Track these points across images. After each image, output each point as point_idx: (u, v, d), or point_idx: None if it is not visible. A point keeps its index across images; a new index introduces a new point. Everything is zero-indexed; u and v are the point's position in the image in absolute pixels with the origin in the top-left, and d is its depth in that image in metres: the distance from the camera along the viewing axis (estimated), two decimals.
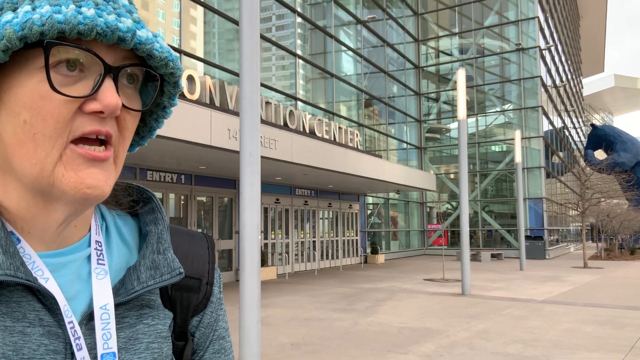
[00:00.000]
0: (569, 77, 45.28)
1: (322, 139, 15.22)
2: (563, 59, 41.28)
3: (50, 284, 0.59)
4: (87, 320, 0.61)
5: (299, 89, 20.43)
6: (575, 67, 51.77)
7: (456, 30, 33.11)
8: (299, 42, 20.73)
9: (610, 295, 12.97)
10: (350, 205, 23.72)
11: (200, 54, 15.19)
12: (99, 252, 0.65)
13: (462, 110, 13.88)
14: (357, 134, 18.66)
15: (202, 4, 15.20)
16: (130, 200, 0.74)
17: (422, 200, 32.36)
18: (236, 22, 15.29)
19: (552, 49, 34.06)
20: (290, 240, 19.21)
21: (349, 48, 24.61)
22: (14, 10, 0.55)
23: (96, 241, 0.66)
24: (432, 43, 34.06)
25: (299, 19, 20.48)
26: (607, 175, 28.80)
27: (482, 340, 7.79)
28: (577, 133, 50.54)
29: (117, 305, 0.63)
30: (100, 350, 0.60)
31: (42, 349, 0.57)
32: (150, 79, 0.64)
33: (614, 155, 39.16)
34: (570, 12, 48.24)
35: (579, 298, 12.46)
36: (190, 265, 0.73)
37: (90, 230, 0.67)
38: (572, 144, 45.68)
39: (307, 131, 15.26)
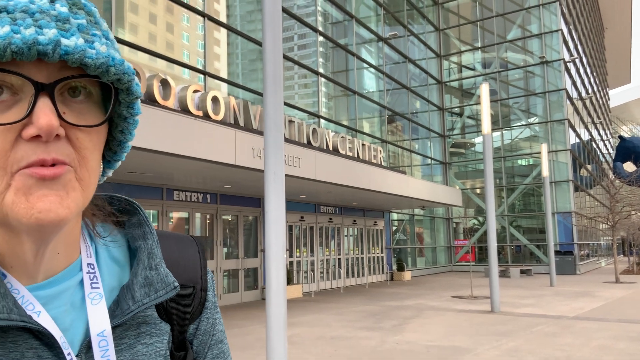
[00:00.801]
0: (595, 89, 44.69)
1: (346, 156, 15.24)
2: (588, 70, 40.80)
3: (43, 318, 0.57)
4: (86, 349, 0.59)
5: (322, 107, 20.54)
6: (601, 78, 51.09)
7: (478, 44, 33.01)
8: (320, 60, 20.90)
9: None
10: (375, 222, 23.62)
11: (224, 75, 15.41)
12: (92, 276, 0.63)
13: (486, 124, 13.78)
14: (380, 151, 18.64)
15: (225, 26, 15.46)
16: (118, 209, 0.72)
17: (448, 215, 32.06)
18: (259, 43, 15.49)
19: (577, 61, 33.71)
20: (315, 257, 19.17)
21: (370, 65, 24.71)
22: None
23: (88, 264, 0.63)
24: (454, 58, 33.99)
25: (320, 38, 20.66)
26: (637, 188, 28.18)
27: (512, 358, 7.63)
28: (605, 145, 49.69)
29: (114, 328, 0.61)
30: None
31: None
32: (104, 89, 0.59)
33: None
34: (594, 23, 47.77)
35: (611, 314, 12.16)
36: (182, 273, 0.70)
37: (80, 253, 0.64)
38: (600, 156, 44.90)
39: (331, 148, 15.30)
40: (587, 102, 38.83)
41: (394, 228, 26.45)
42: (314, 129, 14.82)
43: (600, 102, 48.29)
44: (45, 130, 0.51)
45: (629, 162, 43.51)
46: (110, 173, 0.69)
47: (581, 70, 36.45)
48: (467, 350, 8.21)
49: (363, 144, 17.40)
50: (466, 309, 13.36)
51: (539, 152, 23.68)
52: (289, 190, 12.23)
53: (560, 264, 25.99)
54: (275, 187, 5.56)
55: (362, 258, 22.32)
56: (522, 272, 26.51)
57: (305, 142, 14.23)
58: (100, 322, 0.60)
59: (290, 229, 17.96)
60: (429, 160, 30.86)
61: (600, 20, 54.20)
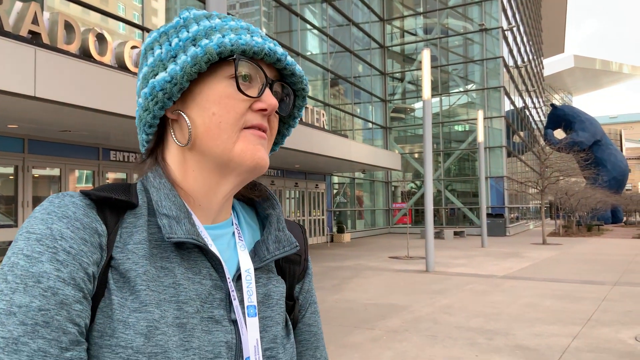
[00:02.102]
0: (530, 57, 46.06)
1: None
2: (525, 39, 41.92)
3: (215, 249, 0.78)
4: (237, 279, 0.79)
5: None
6: (537, 47, 52.65)
7: (421, 9, 33.22)
8: (263, 19, 20.50)
9: (568, 271, 13.44)
10: (317, 185, 23.81)
11: None
12: (238, 231, 0.85)
13: (426, 90, 14.01)
14: (323, 114, 18.65)
15: None
16: (256, 189, 0.93)
17: (387, 179, 32.68)
18: None
19: (515, 29, 34.54)
20: None
21: (314, 27, 24.45)
22: (207, 38, 0.76)
23: (235, 224, 0.86)
24: (397, 23, 34.12)
25: None
26: (565, 154, 29.53)
27: (445, 315, 8.01)
28: (538, 113, 51.62)
29: (254, 270, 0.82)
30: (246, 303, 0.78)
31: (211, 297, 0.75)
32: (284, 95, 0.84)
33: (573, 135, 40.27)
34: None
35: (538, 273, 12.88)
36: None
37: (231, 215, 0.86)
38: (533, 123, 46.65)
39: None
40: (522, 70, 40.04)
41: (335, 191, 26.76)
42: None
43: (535, 70, 49.89)
44: (272, 107, 0.78)
45: (559, 130, 45.52)
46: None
47: (518, 39, 37.41)
48: (403, 308, 8.54)
49: (306, 107, 17.30)
50: (403, 269, 13.82)
51: (475, 119, 24.35)
52: None
53: (492, 226, 27.15)
54: None
55: (304, 220, 22.54)
56: (455, 233, 27.55)
57: None
58: (246, 262, 0.81)
59: None
60: (370, 125, 31.17)
61: None
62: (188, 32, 0.78)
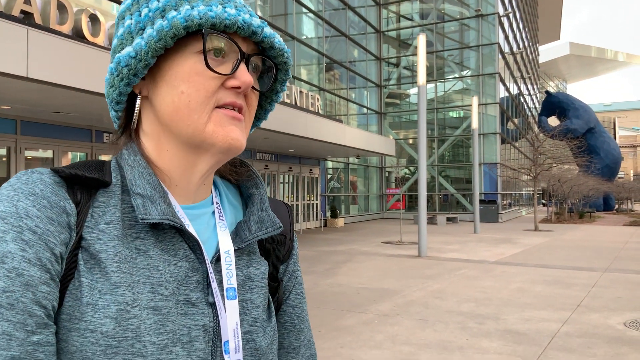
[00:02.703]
0: (526, 44, 45.96)
1: (283, 103, 15.14)
2: (521, 25, 41.80)
3: (192, 229, 0.75)
4: (216, 261, 0.77)
5: None
6: (532, 34, 52.52)
7: None
8: (259, 2, 20.33)
9: (559, 257, 13.56)
10: (311, 170, 23.81)
11: None
12: (219, 211, 0.82)
13: (422, 76, 13.98)
14: (318, 99, 18.59)
15: None
16: (239, 168, 0.90)
17: (381, 165, 32.72)
18: None
19: (510, 15, 34.42)
20: None
21: (310, 10, 24.29)
22: (176, 9, 0.71)
23: (216, 202, 0.83)
24: (393, 7, 33.91)
25: None
26: (559, 142, 29.63)
27: (436, 299, 8.08)
28: (532, 100, 51.65)
29: (235, 251, 0.80)
30: (225, 285, 0.76)
31: (188, 279, 0.73)
32: (266, 69, 0.80)
33: (567, 122, 40.35)
34: None
35: (529, 259, 12.99)
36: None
37: (212, 193, 0.84)
38: (527, 110, 46.71)
39: None
40: (518, 56, 39.97)
41: (329, 176, 26.79)
42: None
43: (530, 57, 49.81)
44: (247, 85, 0.73)
45: (553, 117, 45.57)
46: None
47: (514, 25, 37.30)
48: (395, 292, 8.60)
49: (301, 92, 17.29)
50: (395, 253, 13.89)
51: (470, 105, 24.35)
52: None
53: (484, 212, 27.29)
54: None
55: (297, 205, 22.58)
56: (448, 219, 27.68)
57: None
58: (226, 243, 0.79)
59: None
60: (365, 110, 31.12)
61: None
62: (159, 1, 0.73)
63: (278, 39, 0.77)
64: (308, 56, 24.24)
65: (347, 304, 7.73)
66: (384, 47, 33.60)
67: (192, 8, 0.71)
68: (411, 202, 32.33)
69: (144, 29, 0.73)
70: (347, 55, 28.11)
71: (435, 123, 31.94)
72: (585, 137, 41.94)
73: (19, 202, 0.65)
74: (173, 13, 0.71)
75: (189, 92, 0.72)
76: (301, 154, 22.21)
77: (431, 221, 25.83)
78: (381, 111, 33.02)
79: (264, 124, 13.24)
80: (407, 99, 34.70)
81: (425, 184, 13.87)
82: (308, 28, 24.78)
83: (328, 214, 24.86)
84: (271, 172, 20.78)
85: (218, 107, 0.73)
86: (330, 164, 26.99)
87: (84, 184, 0.72)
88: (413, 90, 33.39)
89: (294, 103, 16.36)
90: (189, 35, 0.71)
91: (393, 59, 34.19)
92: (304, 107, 16.97)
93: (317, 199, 24.26)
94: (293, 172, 22.33)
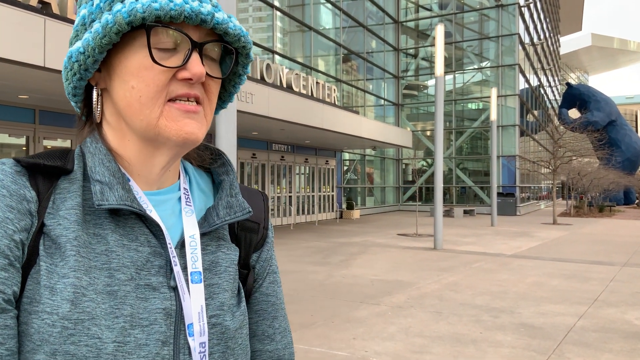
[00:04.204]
0: (547, 35, 45.31)
1: (300, 94, 15.11)
2: (542, 16, 41.19)
3: (154, 215, 0.76)
4: (180, 247, 0.77)
5: (277, 42, 20.10)
6: (553, 25, 51.74)
7: None
8: None
9: (577, 251, 13.40)
10: (327, 161, 23.79)
11: None
12: (186, 196, 0.83)
13: (439, 67, 13.85)
14: (334, 90, 18.53)
15: None
16: (210, 155, 0.91)
17: (398, 156, 32.57)
18: None
19: (531, 5, 33.92)
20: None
21: (327, 0, 24.16)
22: (122, 1, 0.70)
23: (184, 188, 0.84)
24: None
25: None
26: (579, 134, 29.22)
27: (451, 292, 8.03)
28: (553, 92, 50.96)
29: (202, 236, 0.80)
30: (190, 269, 0.76)
31: (149, 264, 0.74)
32: (227, 53, 0.80)
33: (588, 115, 39.72)
34: None
35: (546, 253, 12.85)
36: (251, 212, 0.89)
37: (179, 178, 0.85)
38: (547, 102, 46.10)
39: (285, 86, 15.09)
40: (538, 48, 39.42)
41: (345, 167, 26.74)
42: (268, 65, 14.51)
43: (551, 48, 49.11)
44: (198, 76, 0.72)
45: (574, 109, 44.91)
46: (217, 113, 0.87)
47: (535, 16, 36.75)
48: (409, 284, 8.57)
49: (317, 82, 17.23)
50: (410, 246, 13.84)
51: (489, 97, 24.09)
52: (240, 126, 12.09)
53: (502, 205, 27.06)
54: (226, 123, 5.49)
55: (313, 196, 22.59)
56: (465, 212, 27.51)
57: (259, 77, 13.96)
58: (191, 228, 0.79)
59: (242, 166, 17.89)
60: (382, 101, 30.96)
61: None
62: None
63: (233, 23, 0.75)
64: (325, 47, 24.15)
65: (360, 295, 7.72)
66: (402, 38, 33.34)
67: (137, 0, 0.69)
68: (428, 194, 32.18)
69: (94, 22, 0.73)
70: (364, 46, 27.94)
71: (453, 115, 31.66)
72: (606, 129, 41.25)
73: None
74: (119, 6, 0.69)
75: (139, 87, 0.71)
76: (317, 145, 22.18)
77: (448, 214, 25.69)
78: (398, 103, 32.82)
79: (281, 114, 13.26)
80: (425, 91, 34.44)
81: (441, 176, 13.76)
82: (325, 18, 24.66)
83: (344, 206, 24.84)
84: (287, 163, 20.80)
85: (172, 99, 0.73)
86: (346, 156, 26.94)
87: (45, 172, 0.74)
88: (431, 82, 33.12)
89: (310, 94, 16.32)
90: (136, 29, 0.70)
91: (411, 50, 33.92)
92: (321, 98, 16.93)
93: (333, 191, 24.25)
94: (309, 163, 22.32)
